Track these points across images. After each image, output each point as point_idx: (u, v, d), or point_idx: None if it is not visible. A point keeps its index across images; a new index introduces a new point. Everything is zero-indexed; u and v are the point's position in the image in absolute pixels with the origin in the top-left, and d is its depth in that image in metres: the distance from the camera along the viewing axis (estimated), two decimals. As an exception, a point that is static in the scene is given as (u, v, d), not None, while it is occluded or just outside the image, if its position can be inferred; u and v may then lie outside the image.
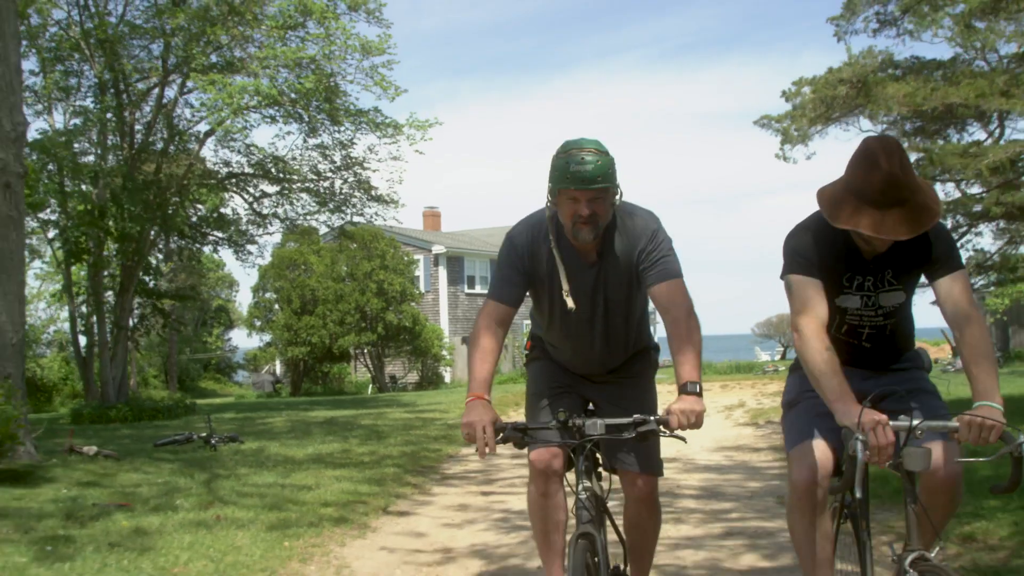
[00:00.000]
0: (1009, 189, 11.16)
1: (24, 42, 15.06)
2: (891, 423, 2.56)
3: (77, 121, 18.03)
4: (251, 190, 19.71)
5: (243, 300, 54.09)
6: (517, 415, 13.11)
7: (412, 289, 29.21)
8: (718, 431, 12.10)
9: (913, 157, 12.05)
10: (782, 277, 2.96)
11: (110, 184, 16.80)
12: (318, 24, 16.90)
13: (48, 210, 17.75)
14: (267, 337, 30.79)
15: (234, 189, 19.58)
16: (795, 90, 12.69)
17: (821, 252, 2.87)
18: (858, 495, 2.56)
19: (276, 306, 29.90)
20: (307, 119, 18.25)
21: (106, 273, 18.19)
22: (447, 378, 30.99)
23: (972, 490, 4.34)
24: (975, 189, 12.02)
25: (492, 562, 5.13)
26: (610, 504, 3.29)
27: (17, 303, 8.89)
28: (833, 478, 2.86)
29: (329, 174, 19.31)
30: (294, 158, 19.13)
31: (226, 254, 42.22)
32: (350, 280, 28.42)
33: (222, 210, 20.12)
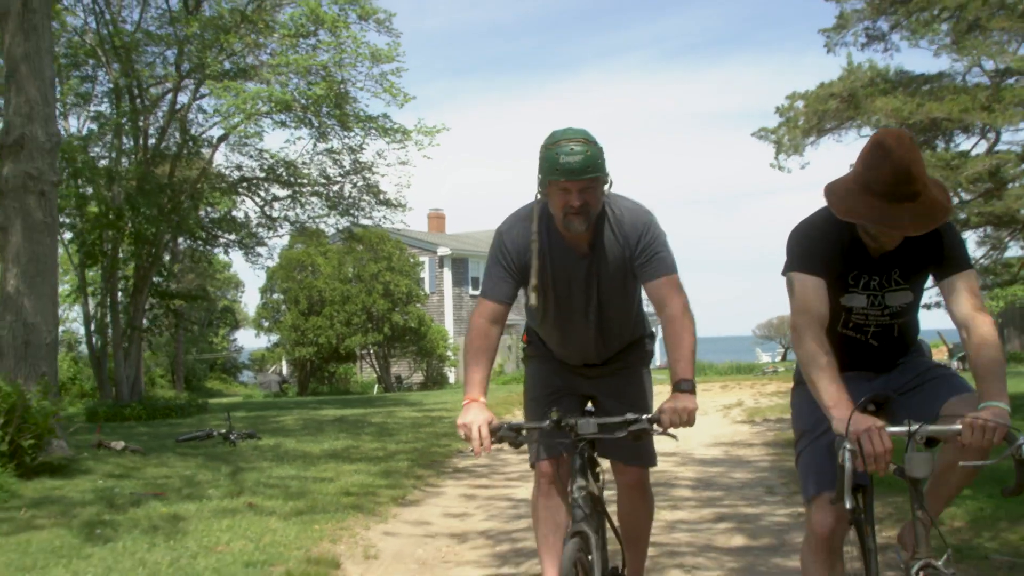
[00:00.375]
0: (990, 199, 11.64)
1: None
2: (889, 428, 2.48)
3: (92, 126, 18.62)
4: (262, 194, 20.20)
5: (248, 301, 54.52)
6: (521, 414, 13.54)
7: (417, 290, 29.67)
8: (716, 428, 12.56)
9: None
10: (784, 274, 2.88)
11: (126, 187, 17.30)
12: (330, 33, 17.39)
13: (64, 212, 18.25)
14: (275, 337, 31.25)
15: (246, 193, 20.05)
16: (788, 104, 13.21)
17: (826, 249, 2.79)
18: (848, 505, 2.44)
19: (283, 307, 30.38)
20: (317, 124, 18.73)
21: (120, 274, 18.66)
22: (451, 378, 31.45)
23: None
24: (963, 197, 12.48)
25: (501, 543, 5.62)
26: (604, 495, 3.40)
27: (51, 305, 9.39)
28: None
29: (339, 178, 19.79)
30: (304, 163, 19.62)
31: (236, 256, 42.54)
32: (357, 281, 28.90)
33: (234, 213, 20.62)
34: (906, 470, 2.48)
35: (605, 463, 3.40)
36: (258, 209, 20.42)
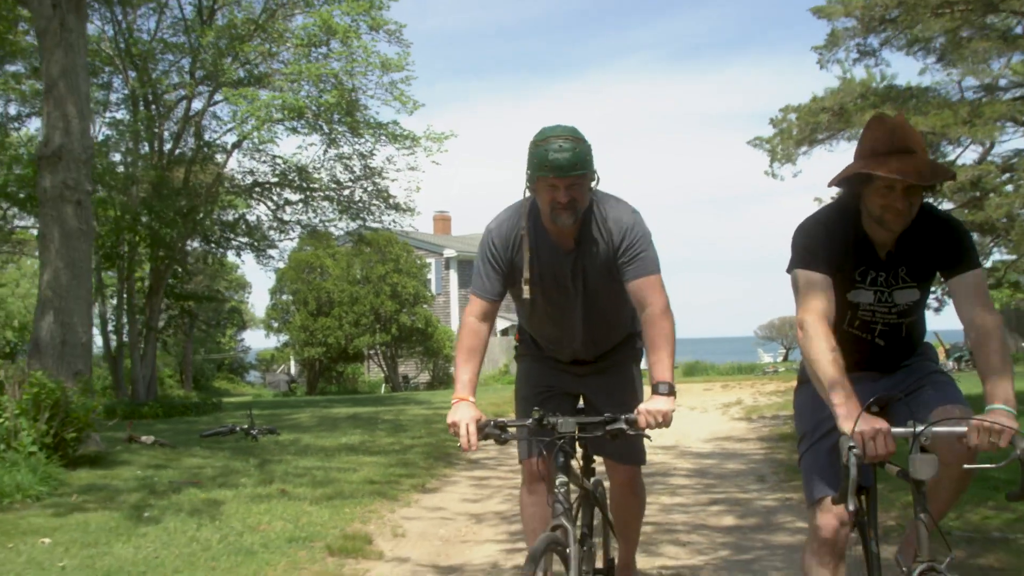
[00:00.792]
0: (974, 208, 12.20)
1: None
2: (894, 430, 2.48)
3: (109, 132, 19.20)
4: (275, 198, 20.75)
5: (256, 302, 55.19)
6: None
7: (424, 292, 30.25)
8: (714, 425, 13.10)
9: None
10: (789, 271, 2.86)
11: (143, 191, 17.87)
12: (341, 43, 17.94)
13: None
14: (284, 338, 31.83)
15: (259, 197, 20.59)
16: (782, 116, 13.84)
17: (833, 245, 2.77)
18: (850, 508, 2.43)
19: (293, 308, 30.95)
20: (328, 131, 19.27)
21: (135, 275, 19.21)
22: (457, 378, 31.95)
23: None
24: (946, 206, 13.05)
25: (516, 523, 6.16)
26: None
27: (86, 306, 10.00)
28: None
29: (349, 183, 20.33)
30: (315, 168, 20.17)
31: (247, 257, 43.08)
32: (365, 283, 29.48)
33: (247, 216, 21.17)
34: (910, 472, 2.45)
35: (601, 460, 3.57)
36: (270, 213, 20.99)
